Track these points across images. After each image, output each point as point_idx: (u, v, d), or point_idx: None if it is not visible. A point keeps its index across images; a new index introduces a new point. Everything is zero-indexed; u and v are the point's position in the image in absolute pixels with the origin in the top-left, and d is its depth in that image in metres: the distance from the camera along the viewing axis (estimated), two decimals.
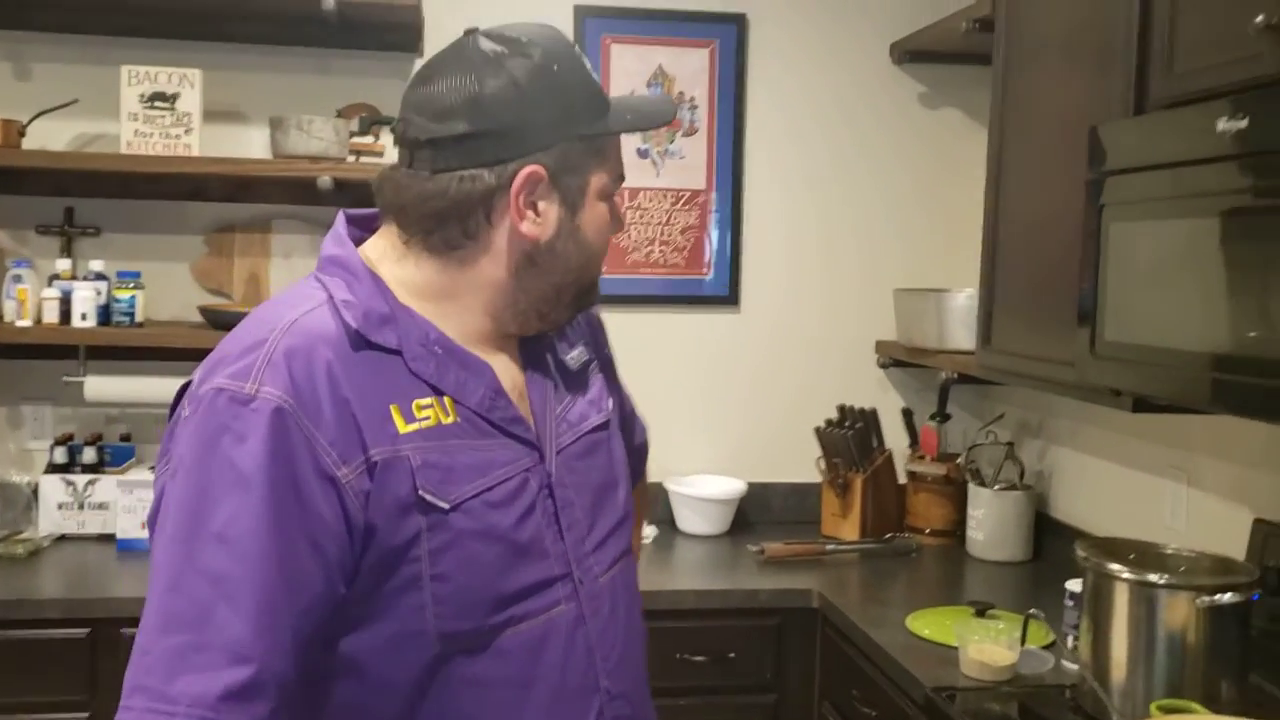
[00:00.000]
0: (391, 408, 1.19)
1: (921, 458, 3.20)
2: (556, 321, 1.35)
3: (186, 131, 2.83)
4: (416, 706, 1.20)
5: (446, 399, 1.23)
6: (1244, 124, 1.61)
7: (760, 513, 3.29)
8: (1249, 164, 1.61)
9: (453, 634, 1.19)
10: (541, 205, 1.25)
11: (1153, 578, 1.90)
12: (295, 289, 1.27)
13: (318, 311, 1.21)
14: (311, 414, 1.13)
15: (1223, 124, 1.65)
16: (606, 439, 1.42)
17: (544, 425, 1.31)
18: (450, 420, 1.22)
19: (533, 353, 1.36)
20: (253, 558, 1.09)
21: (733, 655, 2.67)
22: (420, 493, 1.17)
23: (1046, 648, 2.27)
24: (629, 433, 1.66)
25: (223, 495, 1.10)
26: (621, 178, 1.33)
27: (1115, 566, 1.94)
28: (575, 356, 1.42)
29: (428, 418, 1.20)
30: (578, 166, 1.26)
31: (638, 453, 1.72)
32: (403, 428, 1.18)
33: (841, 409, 3.22)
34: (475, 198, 1.23)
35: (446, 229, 1.25)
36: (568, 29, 3.14)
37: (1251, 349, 1.59)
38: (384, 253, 1.28)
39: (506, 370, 1.31)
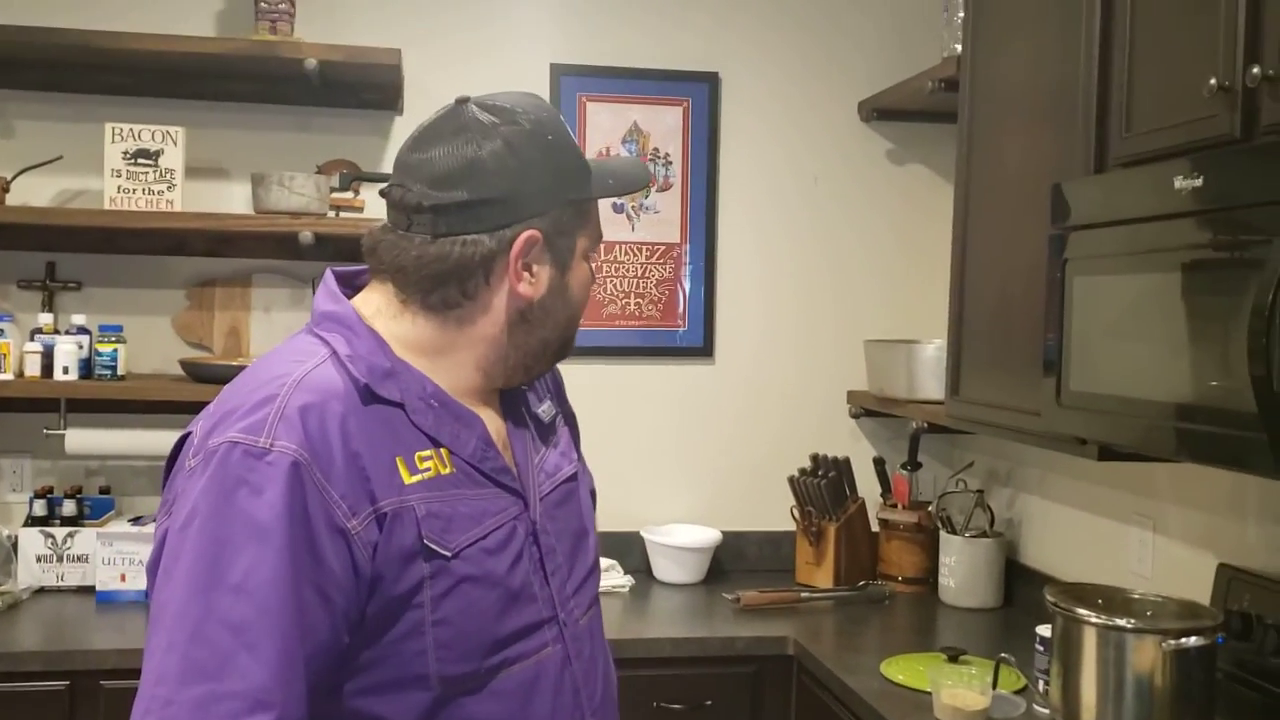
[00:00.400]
0: (397, 459, 1.23)
1: (894, 506, 3.25)
2: (538, 374, 1.43)
3: (169, 188, 2.87)
4: None
5: (444, 450, 1.27)
6: (1199, 182, 1.68)
7: (735, 561, 3.33)
8: (1204, 220, 1.68)
9: (452, 677, 1.23)
10: (536, 267, 1.31)
11: (1120, 622, 1.95)
12: (293, 344, 1.31)
13: (324, 367, 1.25)
14: (324, 467, 1.17)
15: (1179, 182, 1.72)
16: (576, 488, 1.48)
17: (526, 474, 1.36)
18: (448, 471, 1.27)
19: (511, 406, 1.41)
20: (273, 607, 1.12)
21: (710, 703, 2.70)
22: (425, 541, 1.21)
23: (1018, 692, 2.31)
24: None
25: (241, 546, 1.13)
26: (600, 237, 1.42)
27: (1083, 611, 1.99)
28: (545, 410, 1.48)
29: (429, 469, 1.25)
30: (568, 229, 1.34)
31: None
32: (408, 479, 1.23)
33: (815, 458, 3.27)
34: (476, 261, 1.28)
35: (446, 289, 1.30)
36: (544, 87, 3.22)
37: (1211, 399, 1.65)
38: (379, 309, 1.32)
39: (492, 422, 1.36)
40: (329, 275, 1.36)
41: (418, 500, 1.22)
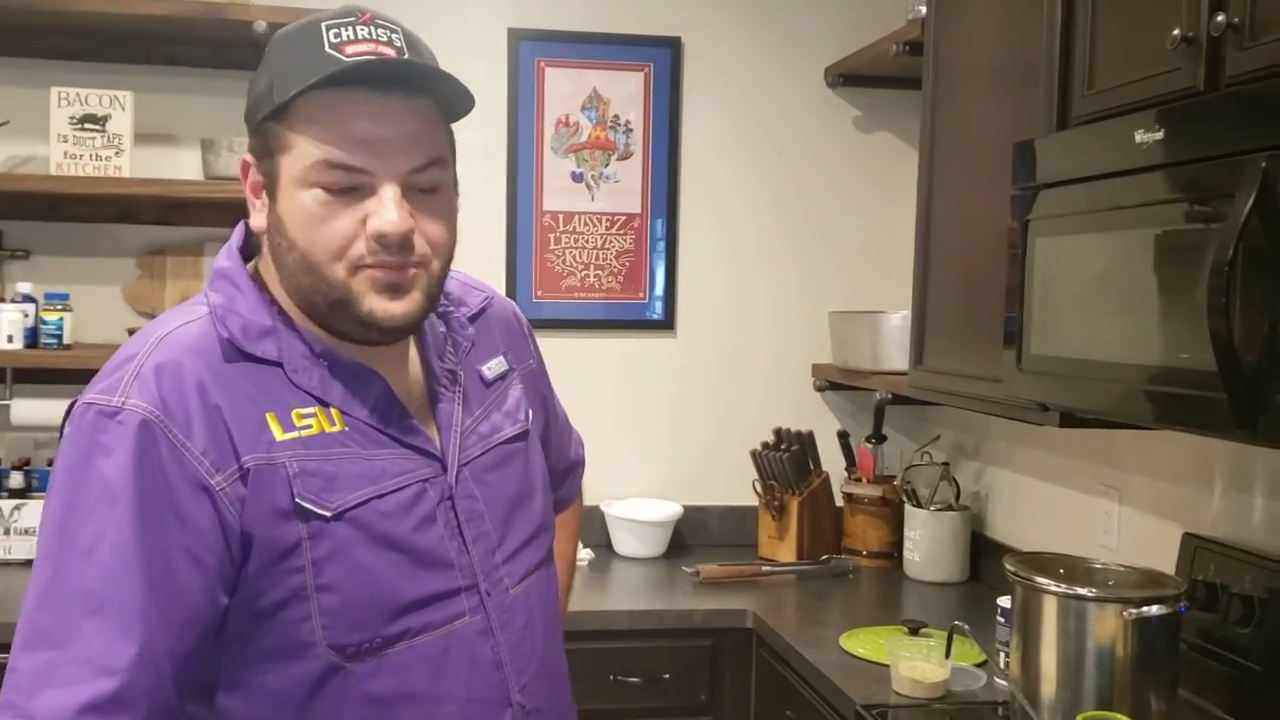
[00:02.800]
0: (268, 416, 1.17)
1: (858, 480, 3.21)
2: (352, 336, 1.23)
3: (117, 153, 2.80)
4: None
5: (333, 409, 1.21)
6: (1160, 135, 1.64)
7: (697, 536, 3.28)
8: (1165, 175, 1.63)
9: (342, 646, 1.17)
10: (264, 196, 1.22)
11: (1081, 591, 1.91)
12: (183, 304, 1.27)
13: (195, 324, 1.20)
14: (181, 424, 1.12)
15: (1140, 136, 1.68)
16: (523, 450, 1.40)
17: (448, 437, 1.29)
18: (336, 429, 1.20)
19: (443, 364, 1.34)
20: (118, 572, 1.08)
21: (667, 676, 2.66)
22: (297, 500, 1.15)
23: (979, 665, 2.27)
24: (562, 446, 1.65)
25: (91, 509, 1.09)
26: (334, 164, 1.15)
27: (1043, 580, 1.94)
28: (491, 367, 1.41)
29: (310, 426, 1.19)
30: (270, 151, 1.19)
31: (573, 468, 1.71)
32: (280, 435, 1.17)
33: (778, 432, 3.22)
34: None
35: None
36: (501, 52, 3.15)
37: (1173, 359, 1.60)
38: (270, 266, 1.26)
39: (403, 382, 1.29)
40: (238, 230, 1.30)
41: (289, 457, 1.16)
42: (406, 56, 1.18)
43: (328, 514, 1.16)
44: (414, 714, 1.20)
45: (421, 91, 1.20)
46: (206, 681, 1.16)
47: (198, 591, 1.11)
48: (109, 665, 1.06)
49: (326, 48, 1.15)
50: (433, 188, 1.21)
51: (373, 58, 1.16)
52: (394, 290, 1.19)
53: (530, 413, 1.44)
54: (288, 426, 1.17)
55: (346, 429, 1.21)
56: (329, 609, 1.16)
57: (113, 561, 1.07)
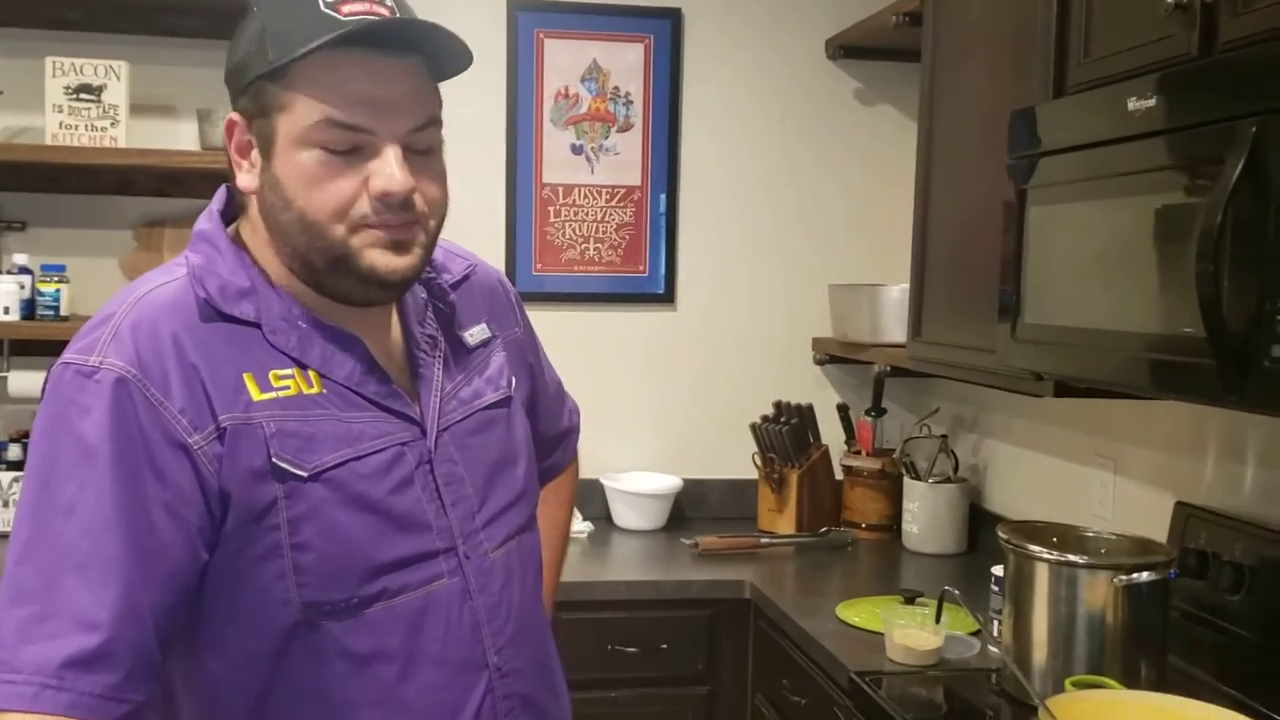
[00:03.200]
0: (245, 376, 1.17)
1: (858, 453, 3.21)
2: (348, 295, 1.22)
3: (113, 123, 2.80)
4: (287, 681, 1.19)
5: (311, 371, 1.21)
6: (1152, 102, 1.63)
7: (697, 508, 3.29)
8: (1157, 142, 1.63)
9: (317, 604, 1.17)
10: (253, 155, 1.20)
11: (1072, 558, 1.91)
12: (163, 265, 1.27)
13: (173, 284, 1.20)
14: (158, 383, 1.13)
15: (1132, 103, 1.67)
16: (505, 416, 1.40)
17: (428, 401, 1.29)
18: (314, 391, 1.20)
19: (424, 330, 1.34)
20: (99, 528, 1.08)
21: (665, 647, 2.67)
22: (274, 460, 1.16)
23: (973, 634, 2.28)
24: (553, 413, 1.66)
25: (70, 468, 1.09)
26: (336, 123, 1.15)
27: (1035, 548, 1.94)
28: (474, 334, 1.40)
29: (287, 387, 1.19)
30: (266, 109, 1.17)
31: (566, 434, 1.71)
32: (257, 395, 1.17)
33: (778, 405, 3.22)
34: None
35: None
36: (500, 23, 3.14)
37: (1163, 326, 1.60)
38: (253, 226, 1.26)
39: (383, 346, 1.29)
40: (220, 192, 1.30)
41: (266, 417, 1.16)
42: (399, 15, 1.18)
43: (304, 474, 1.16)
44: (389, 673, 1.21)
45: (413, 51, 1.20)
46: (183, 637, 1.17)
47: (178, 547, 1.12)
48: (92, 620, 1.06)
49: (322, 6, 1.15)
50: (428, 148, 1.21)
51: (373, 18, 1.15)
52: (397, 247, 1.19)
53: (514, 380, 1.44)
54: (265, 387, 1.18)
55: (324, 391, 1.21)
56: (304, 568, 1.16)
57: (94, 518, 1.08)
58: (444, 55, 1.22)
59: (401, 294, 1.27)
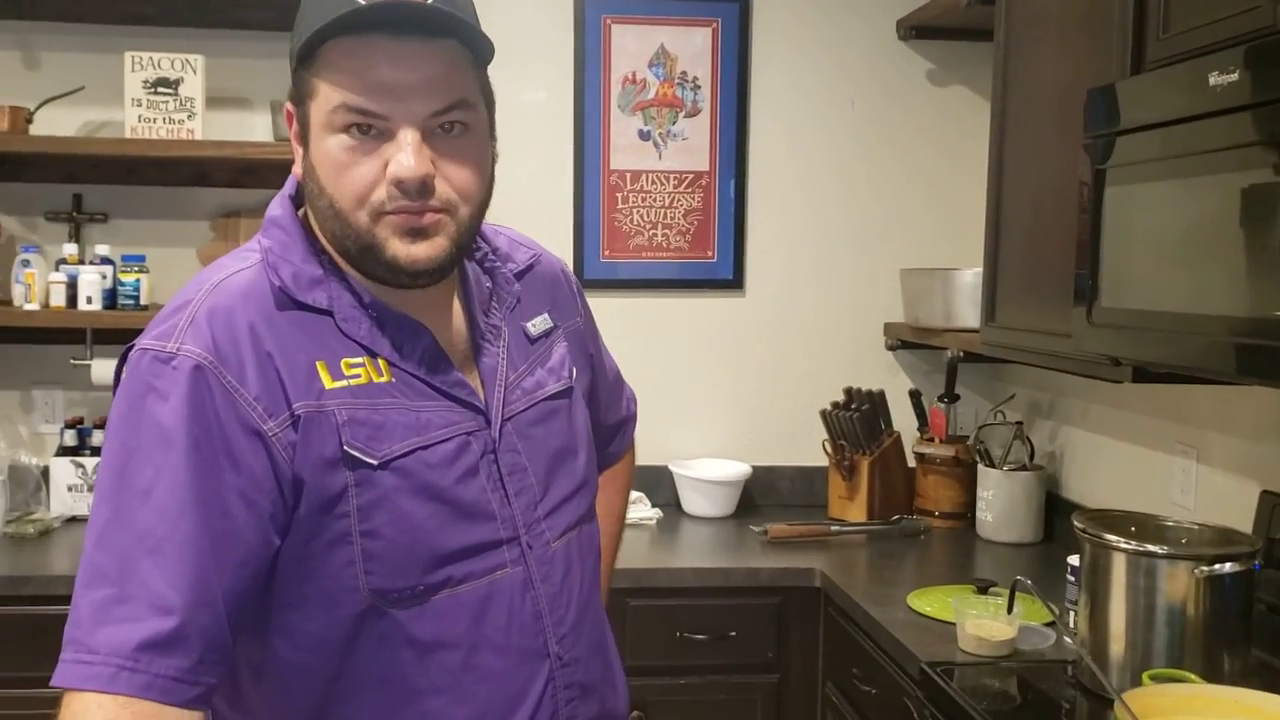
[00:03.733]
0: (318, 364, 1.18)
1: (930, 440, 3.17)
2: (383, 279, 1.21)
3: (189, 116, 2.85)
4: (354, 667, 1.20)
5: (381, 360, 1.22)
6: (1235, 77, 1.58)
7: (766, 496, 3.27)
8: (1241, 118, 1.57)
9: (384, 591, 1.18)
10: (301, 145, 1.22)
11: (1150, 548, 1.87)
12: (236, 251, 1.27)
13: (248, 271, 1.21)
14: (235, 370, 1.13)
15: (1214, 78, 1.62)
16: (567, 406, 1.39)
17: (492, 391, 1.29)
18: (384, 380, 1.21)
19: (489, 320, 1.34)
20: (175, 513, 1.09)
21: (734, 634, 2.65)
22: (346, 448, 1.16)
23: (1048, 624, 2.23)
24: (613, 402, 1.65)
25: (148, 453, 1.10)
26: (353, 108, 1.14)
27: (1111, 537, 1.90)
28: (536, 324, 1.40)
29: (358, 375, 1.19)
30: (301, 96, 1.19)
31: (624, 423, 1.71)
32: (329, 384, 1.17)
33: (848, 391, 3.19)
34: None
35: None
36: (568, 10, 3.13)
37: (1247, 309, 1.55)
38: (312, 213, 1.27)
39: (447, 334, 1.29)
40: (290, 180, 1.30)
41: (338, 405, 1.17)
42: (430, 1, 1.16)
43: (374, 462, 1.17)
44: (453, 660, 1.21)
45: (446, 34, 1.18)
46: (261, 623, 1.18)
47: (251, 533, 1.13)
48: (166, 604, 1.07)
49: None
50: (459, 132, 1.19)
51: (388, 1, 1.14)
52: (415, 235, 1.18)
53: (575, 370, 1.44)
54: (337, 375, 1.18)
55: (393, 380, 1.21)
56: (372, 555, 1.17)
57: (169, 503, 1.09)
58: (477, 37, 1.20)
59: (435, 280, 1.24)
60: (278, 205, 1.27)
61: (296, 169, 1.24)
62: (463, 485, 1.22)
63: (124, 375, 1.16)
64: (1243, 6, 1.67)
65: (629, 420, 1.72)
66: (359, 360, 1.20)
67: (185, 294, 1.19)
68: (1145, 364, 1.93)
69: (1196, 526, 1.97)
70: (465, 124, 1.20)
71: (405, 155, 1.15)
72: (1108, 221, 1.91)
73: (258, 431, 1.13)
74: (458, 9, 1.17)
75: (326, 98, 1.16)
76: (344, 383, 1.18)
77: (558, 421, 1.37)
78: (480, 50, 1.21)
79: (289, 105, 1.23)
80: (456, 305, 1.33)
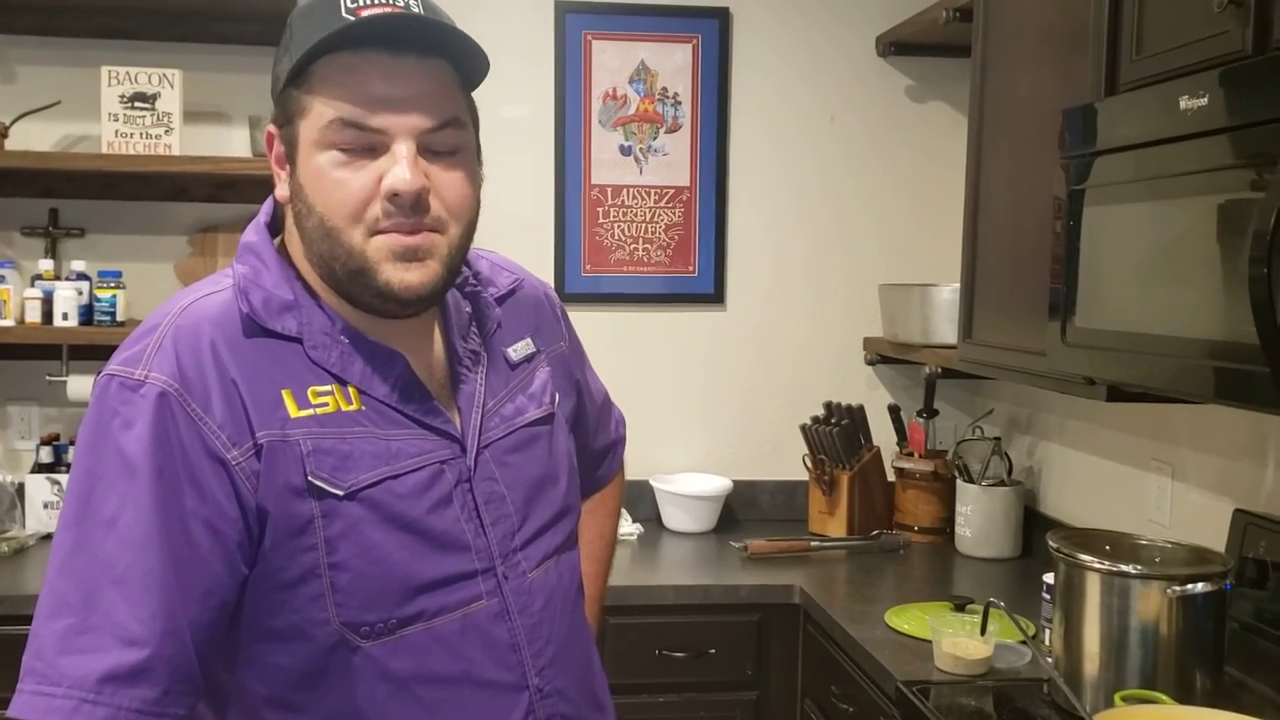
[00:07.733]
0: (284, 392, 1.17)
1: (910, 455, 3.17)
2: (372, 309, 1.21)
3: (167, 131, 2.84)
4: (327, 702, 1.18)
5: (351, 388, 1.20)
6: (1204, 101, 1.58)
7: (747, 510, 3.27)
8: (1210, 142, 1.58)
9: (355, 624, 1.16)
10: (288, 166, 1.21)
11: (1124, 568, 1.87)
12: (211, 276, 1.27)
13: (217, 296, 1.20)
14: (199, 397, 1.13)
15: (1184, 102, 1.62)
16: (548, 433, 1.38)
17: (469, 418, 1.28)
18: (353, 408, 1.20)
19: (467, 344, 1.32)
20: (139, 542, 1.08)
21: (713, 651, 2.65)
22: (310, 478, 1.15)
23: (1024, 642, 2.23)
24: (601, 426, 1.64)
25: (112, 481, 1.09)
26: (349, 122, 1.14)
27: (1086, 557, 1.90)
28: (517, 349, 1.39)
29: (325, 404, 1.18)
30: (290, 117, 1.19)
31: (613, 446, 1.69)
32: (295, 413, 1.16)
33: (828, 406, 3.19)
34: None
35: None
36: (548, 25, 3.14)
37: (1216, 331, 1.56)
38: (294, 240, 1.26)
39: (425, 361, 1.28)
40: (266, 204, 1.30)
41: (303, 435, 1.16)
42: (414, 11, 1.16)
43: (340, 493, 1.16)
44: (430, 695, 1.20)
45: (437, 53, 1.18)
46: (223, 656, 1.17)
47: (217, 562, 1.12)
48: (131, 635, 1.06)
49: (343, 11, 1.15)
50: (450, 150, 1.19)
51: (380, 12, 1.14)
52: (410, 258, 1.17)
53: (557, 396, 1.42)
54: (303, 404, 1.17)
55: (363, 408, 1.20)
56: (342, 587, 1.15)
57: (134, 532, 1.08)
58: (468, 57, 1.20)
59: (425, 308, 1.25)
60: (253, 232, 1.27)
61: (279, 192, 1.23)
62: (435, 515, 1.21)
63: (91, 400, 1.15)
64: (1213, 30, 1.68)
65: (618, 443, 1.70)
66: (327, 388, 1.19)
67: (156, 316, 1.19)
68: (1118, 384, 1.94)
69: (1170, 545, 1.97)
70: (457, 143, 1.20)
71: (401, 168, 1.15)
72: (1084, 241, 1.91)
73: (221, 460, 1.12)
74: (451, 23, 1.19)
75: (320, 114, 1.15)
76: (310, 411, 1.17)
77: (538, 449, 1.35)
78: (468, 73, 1.22)
79: (271, 127, 1.22)
80: (436, 332, 1.31)
